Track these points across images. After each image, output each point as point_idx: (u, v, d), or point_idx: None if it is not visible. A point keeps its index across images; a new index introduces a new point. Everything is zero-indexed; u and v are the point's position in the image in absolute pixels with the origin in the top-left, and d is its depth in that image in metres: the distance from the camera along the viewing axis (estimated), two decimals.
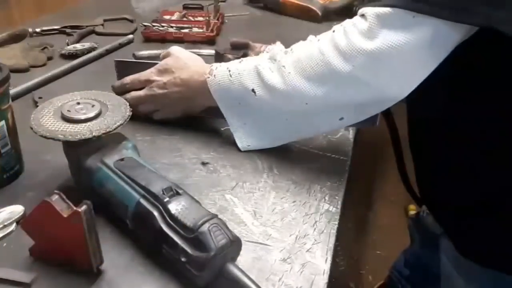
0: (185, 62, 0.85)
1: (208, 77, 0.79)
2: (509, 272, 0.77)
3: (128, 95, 0.86)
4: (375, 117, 0.84)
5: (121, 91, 0.87)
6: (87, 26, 1.38)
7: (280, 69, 0.74)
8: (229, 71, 0.78)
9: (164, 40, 1.30)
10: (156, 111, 0.88)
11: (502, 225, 0.76)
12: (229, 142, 0.84)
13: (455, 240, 0.84)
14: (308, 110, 0.74)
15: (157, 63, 0.87)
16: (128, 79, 0.87)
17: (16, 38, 1.26)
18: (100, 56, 1.20)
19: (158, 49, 1.16)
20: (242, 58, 0.81)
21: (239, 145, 0.82)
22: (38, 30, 1.33)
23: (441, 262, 0.94)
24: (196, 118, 0.90)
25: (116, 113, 0.67)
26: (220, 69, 0.79)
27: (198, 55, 0.90)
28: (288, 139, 0.82)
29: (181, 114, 0.87)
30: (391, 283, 1.44)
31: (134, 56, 1.15)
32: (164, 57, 0.88)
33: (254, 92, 0.76)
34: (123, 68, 0.90)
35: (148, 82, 0.86)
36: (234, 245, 0.55)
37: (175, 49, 0.88)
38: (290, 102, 0.75)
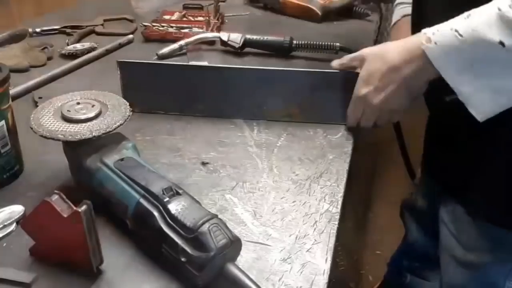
0: (382, 52, 0.78)
1: (427, 47, 0.70)
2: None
3: (362, 124, 0.84)
4: None
5: (356, 118, 0.85)
6: (87, 26, 1.38)
7: None
8: (457, 31, 0.67)
9: (164, 40, 1.30)
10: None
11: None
12: (229, 142, 0.84)
13: (462, 197, 0.85)
14: None
15: (161, 64, 0.86)
16: (349, 112, 0.85)
17: (16, 38, 1.26)
18: (100, 56, 1.19)
19: (158, 49, 1.16)
20: (465, 13, 0.68)
21: (475, 114, 0.70)
22: (38, 30, 1.33)
23: (441, 234, 0.95)
24: (196, 118, 0.90)
25: (116, 113, 0.67)
26: (442, 33, 0.69)
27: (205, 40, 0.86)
28: None
29: (412, 102, 0.80)
30: (391, 276, 1.46)
31: (157, 55, 1.14)
32: (360, 63, 0.83)
33: (503, 44, 0.64)
34: (126, 69, 0.90)
35: (361, 99, 0.81)
36: (234, 245, 0.55)
37: (367, 52, 0.82)
38: None
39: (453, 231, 0.92)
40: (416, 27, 0.90)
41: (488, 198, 0.83)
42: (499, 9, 0.64)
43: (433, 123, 0.93)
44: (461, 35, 0.67)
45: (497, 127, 0.73)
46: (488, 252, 0.87)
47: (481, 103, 0.70)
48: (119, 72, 0.90)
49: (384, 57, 0.77)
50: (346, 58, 0.86)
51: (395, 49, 0.76)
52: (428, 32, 0.70)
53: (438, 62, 0.69)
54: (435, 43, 0.69)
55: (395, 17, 1.07)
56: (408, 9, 0.97)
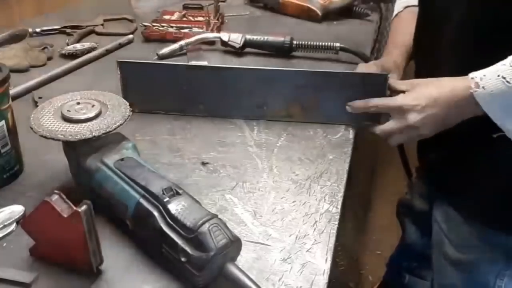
0: (436, 85, 0.79)
1: (476, 91, 0.74)
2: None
3: (378, 130, 0.84)
4: (378, 115, 0.84)
5: (360, 111, 0.85)
6: (87, 26, 1.38)
7: None
8: (504, 78, 0.72)
9: (164, 40, 1.30)
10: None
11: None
12: (229, 142, 0.84)
13: (454, 198, 0.88)
14: None
15: (161, 64, 0.85)
16: (374, 103, 0.83)
17: (16, 38, 1.26)
18: (100, 56, 1.19)
19: (158, 49, 1.16)
20: (509, 60, 0.73)
21: None
22: (38, 30, 1.33)
23: (433, 232, 0.98)
24: (196, 118, 0.90)
25: (116, 113, 0.67)
26: (489, 80, 0.74)
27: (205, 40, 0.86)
28: None
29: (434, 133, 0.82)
30: (390, 277, 1.47)
31: (158, 55, 1.14)
32: (411, 86, 0.83)
33: None
34: (126, 69, 0.89)
35: (399, 109, 0.80)
36: (234, 245, 0.55)
37: (418, 80, 0.83)
38: None
39: (444, 230, 0.93)
40: (424, 17, 0.90)
41: (479, 201, 0.85)
42: None
43: None
44: (508, 82, 0.71)
45: (489, 131, 0.76)
46: (479, 251, 0.89)
47: None
48: (119, 72, 0.89)
49: (438, 87, 0.79)
50: (394, 81, 0.86)
51: (447, 86, 0.78)
52: (475, 77, 0.74)
53: (486, 105, 0.73)
54: (483, 87, 0.73)
55: (397, 8, 1.08)
56: (411, 0, 0.98)
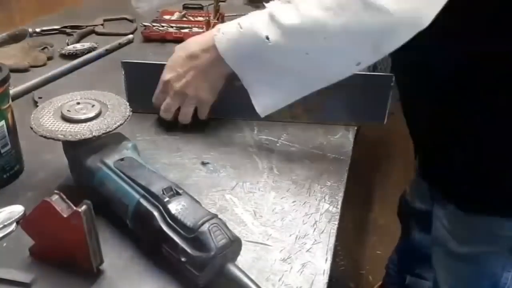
0: (186, 43, 0.83)
1: (216, 35, 0.75)
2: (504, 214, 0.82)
3: (161, 113, 0.86)
4: (383, 113, 0.84)
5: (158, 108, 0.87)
6: (87, 26, 1.38)
7: (297, 6, 0.69)
8: (239, 24, 0.74)
9: (164, 40, 1.30)
10: (196, 111, 0.86)
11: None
12: (229, 142, 0.84)
13: (449, 191, 0.89)
14: (326, 48, 0.70)
15: (165, 64, 0.85)
16: (154, 98, 0.86)
17: (16, 38, 1.26)
18: (100, 56, 1.19)
19: (158, 49, 1.16)
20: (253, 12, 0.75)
21: (257, 109, 0.77)
22: (38, 30, 1.33)
23: (433, 228, 0.99)
24: (196, 117, 0.90)
25: (116, 113, 0.67)
26: (229, 25, 0.75)
27: None
28: (303, 92, 0.77)
29: (215, 96, 0.84)
30: (390, 280, 1.47)
31: None
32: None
33: (268, 39, 0.70)
34: (131, 69, 0.89)
35: (166, 85, 0.83)
36: (234, 245, 0.55)
37: (177, 46, 0.86)
38: (306, 39, 0.69)
39: (446, 226, 0.94)
40: None
41: (473, 188, 0.85)
42: (270, 8, 0.72)
43: (412, 126, 0.95)
44: (241, 28, 0.73)
45: (478, 121, 0.76)
46: (483, 245, 0.90)
47: (260, 96, 0.76)
48: (123, 73, 0.89)
49: (186, 46, 0.82)
50: None
51: (196, 40, 0.82)
52: (222, 24, 0.77)
53: (223, 50, 0.75)
54: (222, 33, 0.75)
55: None
56: None
